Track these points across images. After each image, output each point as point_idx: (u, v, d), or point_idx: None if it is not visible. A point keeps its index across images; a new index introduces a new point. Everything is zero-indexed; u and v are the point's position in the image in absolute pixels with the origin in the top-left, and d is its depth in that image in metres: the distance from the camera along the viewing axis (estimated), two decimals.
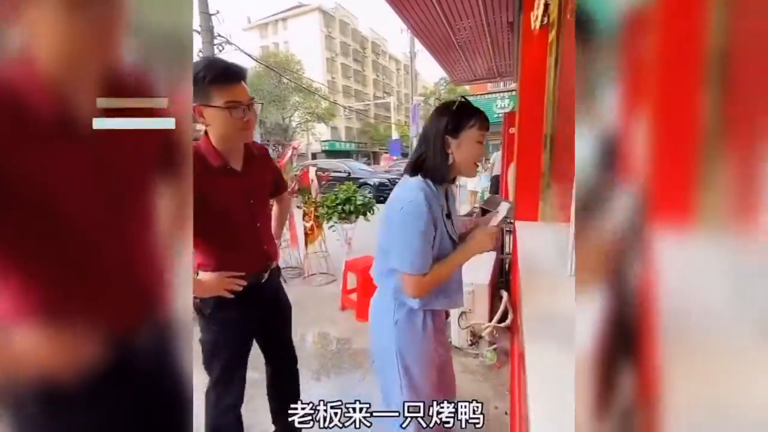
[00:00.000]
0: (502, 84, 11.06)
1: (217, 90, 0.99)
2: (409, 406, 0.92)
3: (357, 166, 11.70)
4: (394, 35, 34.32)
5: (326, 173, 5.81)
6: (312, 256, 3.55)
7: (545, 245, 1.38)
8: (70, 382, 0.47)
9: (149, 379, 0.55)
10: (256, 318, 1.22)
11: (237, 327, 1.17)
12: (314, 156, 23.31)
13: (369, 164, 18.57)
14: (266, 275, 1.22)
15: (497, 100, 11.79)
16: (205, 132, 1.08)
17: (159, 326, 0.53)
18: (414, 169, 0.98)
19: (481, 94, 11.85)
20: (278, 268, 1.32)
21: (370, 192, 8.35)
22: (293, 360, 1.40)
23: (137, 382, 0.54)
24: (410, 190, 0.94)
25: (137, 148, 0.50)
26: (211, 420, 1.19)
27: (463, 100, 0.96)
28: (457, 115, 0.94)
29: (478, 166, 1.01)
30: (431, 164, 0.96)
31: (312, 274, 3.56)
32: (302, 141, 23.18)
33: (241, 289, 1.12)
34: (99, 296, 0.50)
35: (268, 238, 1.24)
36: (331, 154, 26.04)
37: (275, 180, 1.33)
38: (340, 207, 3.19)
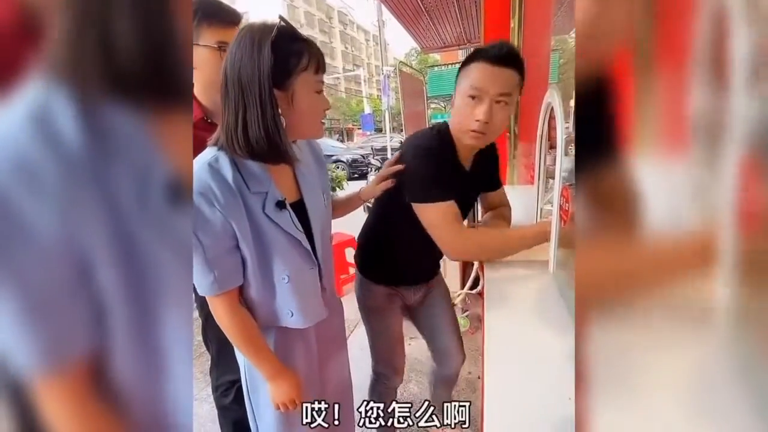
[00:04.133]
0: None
1: (209, 29, 0.88)
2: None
3: (329, 143, 11.45)
4: (360, 3, 32.91)
5: None
6: None
7: (513, 207, 1.37)
8: None
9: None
10: None
11: None
12: None
13: (341, 141, 18.14)
14: None
15: None
16: None
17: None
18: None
19: (453, 63, 11.65)
20: None
21: (343, 169, 8.19)
22: None
23: None
24: None
25: None
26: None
27: (282, 22, 0.63)
28: (281, 52, 0.61)
29: (324, 123, 0.74)
30: (254, 136, 0.62)
31: None
32: None
33: None
34: None
35: None
36: None
37: None
38: None
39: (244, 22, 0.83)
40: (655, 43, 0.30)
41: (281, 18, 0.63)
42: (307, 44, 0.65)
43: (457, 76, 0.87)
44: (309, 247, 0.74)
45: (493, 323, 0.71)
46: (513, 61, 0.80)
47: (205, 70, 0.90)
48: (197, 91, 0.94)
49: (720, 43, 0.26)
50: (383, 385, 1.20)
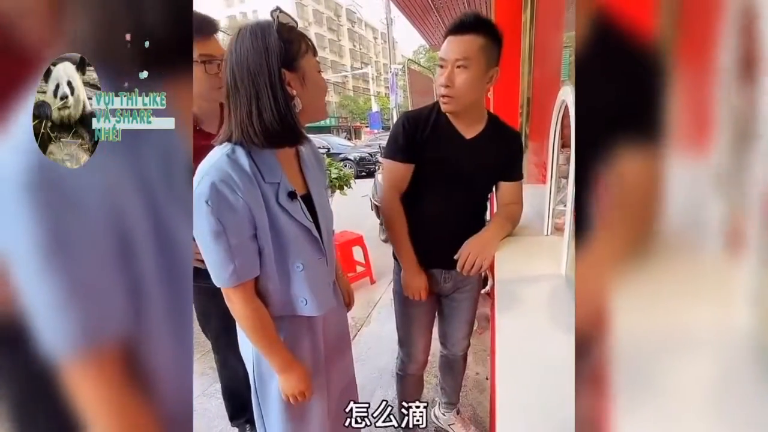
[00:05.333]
0: None
1: None
2: None
3: (336, 141, 11.45)
4: (369, 1, 32.86)
5: None
6: None
7: (524, 206, 1.35)
8: None
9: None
10: None
11: None
12: None
13: (349, 139, 18.15)
14: None
15: None
16: None
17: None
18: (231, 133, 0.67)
19: None
20: None
21: (350, 167, 8.19)
22: None
23: None
24: (198, 173, 0.64)
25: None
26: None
27: (279, 13, 0.64)
28: (285, 39, 0.63)
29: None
30: (269, 122, 0.63)
31: None
32: None
33: None
34: None
35: None
36: (310, 130, 24.99)
37: None
38: None
39: (222, 29, 0.87)
40: (679, 37, 0.29)
41: (278, 8, 0.65)
42: (303, 33, 0.69)
43: None
44: (318, 237, 0.76)
45: (505, 325, 0.69)
46: (472, 26, 0.85)
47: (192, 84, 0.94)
48: None
49: (749, 37, 0.25)
50: (402, 369, 1.25)
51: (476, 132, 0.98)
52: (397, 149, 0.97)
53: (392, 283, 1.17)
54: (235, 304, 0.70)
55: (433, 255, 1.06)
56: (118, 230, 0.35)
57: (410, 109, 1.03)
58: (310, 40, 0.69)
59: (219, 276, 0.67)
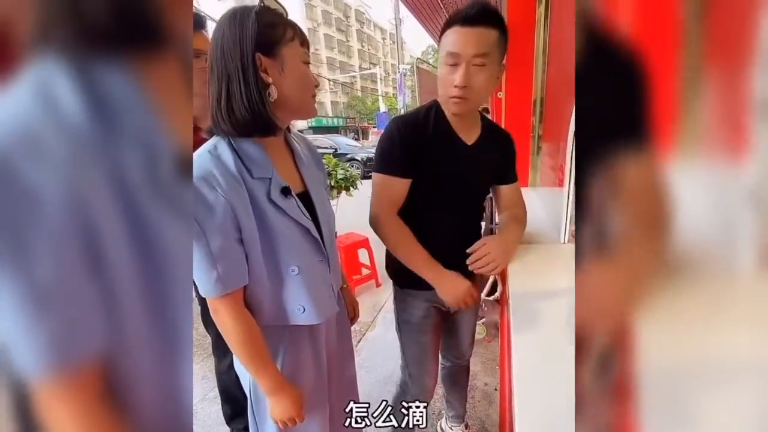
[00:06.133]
0: None
1: None
2: None
3: (344, 142, 11.45)
4: (378, 2, 32.89)
5: None
6: None
7: (536, 212, 1.28)
8: None
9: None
10: None
11: None
12: (301, 133, 22.69)
13: (357, 139, 18.17)
14: None
15: None
16: None
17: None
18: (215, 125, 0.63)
19: None
20: None
21: (357, 168, 8.16)
22: None
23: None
24: None
25: None
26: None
27: (264, 2, 0.61)
28: (265, 23, 0.60)
29: (315, 100, 0.70)
30: (237, 107, 0.59)
31: None
32: None
33: None
34: None
35: None
36: (318, 130, 25.32)
37: None
38: None
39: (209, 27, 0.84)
40: (708, 32, 0.26)
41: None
42: (291, 22, 0.64)
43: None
44: (318, 236, 0.70)
45: (521, 345, 0.63)
46: (488, 18, 0.75)
47: None
48: None
49: None
50: (410, 398, 1.12)
51: (476, 136, 0.90)
52: (392, 161, 0.84)
53: (394, 312, 1.05)
54: (222, 316, 0.64)
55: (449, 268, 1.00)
56: (87, 232, 0.31)
57: (401, 114, 0.89)
58: (299, 28, 0.64)
59: (203, 284, 0.61)
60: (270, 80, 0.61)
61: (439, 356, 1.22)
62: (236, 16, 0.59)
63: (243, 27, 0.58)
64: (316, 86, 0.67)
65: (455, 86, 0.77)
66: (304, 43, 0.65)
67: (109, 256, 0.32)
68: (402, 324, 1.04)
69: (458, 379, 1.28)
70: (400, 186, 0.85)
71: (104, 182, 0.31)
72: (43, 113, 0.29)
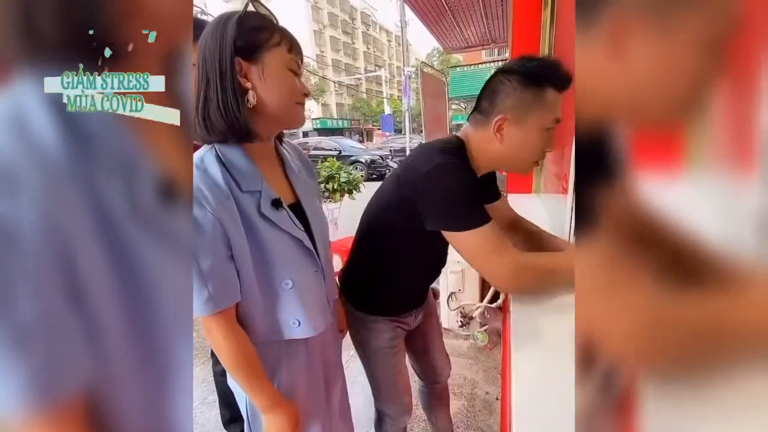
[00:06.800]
0: (497, 52, 10.66)
1: None
2: None
3: (348, 144, 11.47)
4: (384, 4, 32.96)
5: (306, 150, 5.65)
6: None
7: (540, 218, 1.26)
8: None
9: None
10: None
11: None
12: (305, 135, 22.83)
13: (361, 141, 18.20)
14: None
15: (493, 69, 11.35)
16: None
17: None
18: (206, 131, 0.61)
19: (476, 64, 11.44)
20: None
21: (361, 170, 8.16)
22: None
23: None
24: None
25: None
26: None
27: (252, 6, 0.60)
28: (248, 27, 0.58)
29: (304, 109, 0.67)
30: (213, 112, 0.58)
31: None
32: None
33: None
34: None
35: None
36: (323, 132, 25.44)
37: None
38: (323, 185, 2.99)
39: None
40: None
41: (252, 2, 0.60)
42: (280, 27, 0.62)
43: (518, 99, 0.72)
44: (312, 247, 0.69)
45: (522, 365, 0.61)
46: None
47: None
48: None
49: None
50: (390, 425, 1.10)
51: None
52: (476, 210, 0.71)
53: (358, 344, 1.00)
54: (215, 334, 0.62)
55: (423, 295, 1.00)
56: (67, 265, 0.30)
57: (440, 163, 0.72)
58: (289, 34, 0.62)
59: (194, 304, 0.59)
60: (249, 85, 0.58)
61: (418, 380, 1.22)
62: (220, 20, 0.58)
63: (224, 30, 0.57)
64: (305, 95, 0.64)
65: (546, 152, 0.75)
66: (294, 49, 0.62)
67: (90, 287, 0.31)
68: (372, 353, 0.98)
69: (442, 397, 1.26)
70: (495, 229, 0.72)
71: (83, 211, 0.30)
72: (17, 142, 0.28)
